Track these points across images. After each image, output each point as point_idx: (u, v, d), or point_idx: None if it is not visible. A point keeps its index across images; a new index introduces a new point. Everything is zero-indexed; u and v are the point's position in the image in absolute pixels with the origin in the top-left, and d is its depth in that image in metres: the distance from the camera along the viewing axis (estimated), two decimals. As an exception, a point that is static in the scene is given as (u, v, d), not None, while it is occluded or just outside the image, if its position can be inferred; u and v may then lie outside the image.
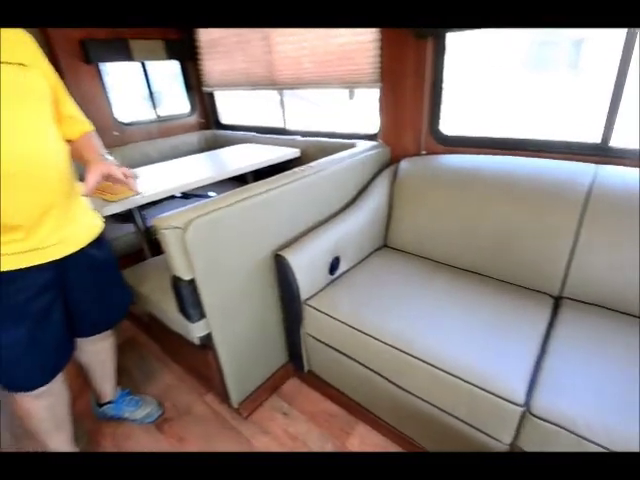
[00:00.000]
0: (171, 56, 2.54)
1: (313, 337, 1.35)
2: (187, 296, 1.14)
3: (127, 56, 2.32)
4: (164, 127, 2.72)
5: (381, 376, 1.18)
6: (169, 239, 1.05)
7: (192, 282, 1.12)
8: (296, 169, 1.43)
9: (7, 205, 0.84)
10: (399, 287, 1.35)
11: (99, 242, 1.10)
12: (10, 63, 0.85)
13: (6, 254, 0.89)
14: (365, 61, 1.80)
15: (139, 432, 1.42)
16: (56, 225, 0.95)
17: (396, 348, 1.09)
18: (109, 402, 1.42)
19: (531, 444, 0.91)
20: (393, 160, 1.79)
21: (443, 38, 1.51)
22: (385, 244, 1.70)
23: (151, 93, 2.65)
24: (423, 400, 1.09)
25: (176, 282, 1.14)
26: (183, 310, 1.18)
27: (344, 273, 1.48)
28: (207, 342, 1.27)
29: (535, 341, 1.07)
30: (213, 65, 2.57)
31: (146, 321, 1.86)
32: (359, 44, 1.79)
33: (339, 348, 1.28)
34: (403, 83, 1.66)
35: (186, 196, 2.40)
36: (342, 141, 1.99)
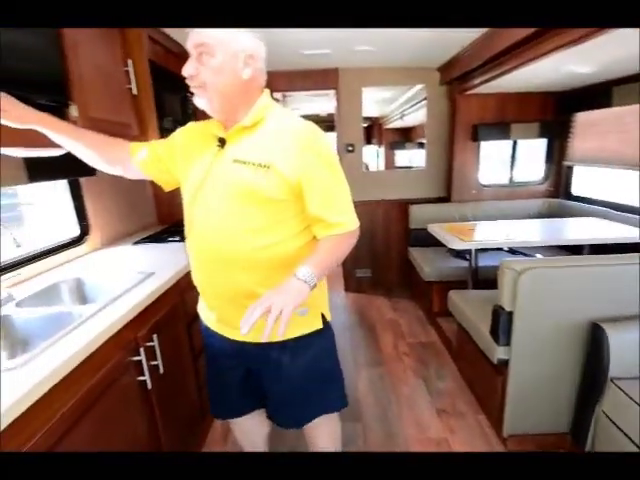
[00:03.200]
0: (542, 135, 2.93)
1: (610, 420, 1.32)
2: (503, 323, 1.49)
3: (506, 136, 2.94)
4: (512, 191, 3.15)
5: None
6: (506, 277, 1.44)
7: (510, 314, 1.46)
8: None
9: (201, 281, 1.02)
10: None
11: (283, 349, 1.02)
12: (252, 164, 0.87)
13: (206, 316, 1.10)
14: None
15: (424, 416, 1.91)
16: (233, 312, 0.95)
17: None
18: None
19: None
20: None
21: None
22: None
23: (512, 163, 3.15)
24: None
25: (497, 309, 1.51)
26: (494, 332, 1.54)
27: (681, 380, 1.32)
28: (502, 367, 1.56)
29: None
30: (582, 143, 2.72)
31: (447, 335, 2.35)
32: None
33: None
34: None
35: (512, 252, 2.71)
36: None
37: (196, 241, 0.97)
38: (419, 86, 3.15)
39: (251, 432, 1.33)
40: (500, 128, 2.91)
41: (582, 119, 2.70)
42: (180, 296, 1.48)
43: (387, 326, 2.78)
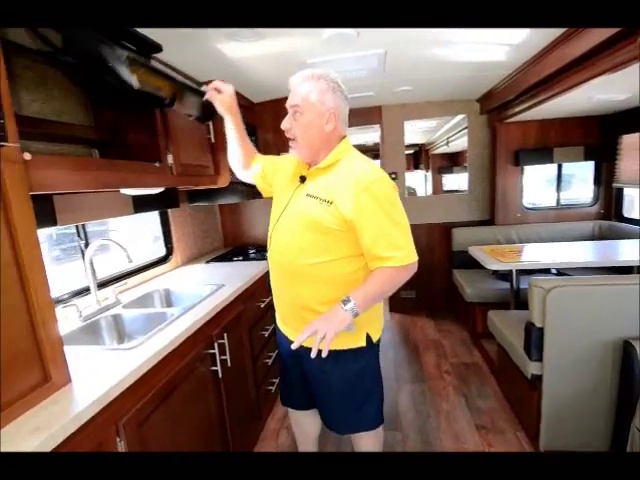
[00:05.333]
0: (588, 158, 2.93)
1: (646, 437, 1.34)
2: (534, 339, 1.57)
3: (549, 160, 2.99)
4: (560, 213, 3.14)
5: None
6: (535, 294, 1.54)
7: (541, 330, 1.55)
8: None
9: (274, 287, 1.25)
10: None
11: (326, 358, 1.01)
12: (319, 198, 1.07)
13: (277, 316, 1.32)
14: None
15: (463, 430, 1.99)
16: (291, 317, 1.22)
17: None
18: None
19: None
20: None
21: None
22: None
23: (558, 186, 3.15)
24: None
25: (529, 326, 1.61)
26: (527, 348, 1.63)
27: None
28: (536, 382, 1.63)
29: None
30: (631, 164, 2.68)
31: (491, 356, 2.39)
32: None
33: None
34: None
35: (560, 273, 2.70)
36: None
37: (272, 255, 1.20)
38: (461, 115, 3.32)
39: (304, 428, 1.50)
40: (542, 152, 2.97)
41: (629, 141, 2.68)
42: (243, 304, 1.78)
43: (430, 346, 2.87)
